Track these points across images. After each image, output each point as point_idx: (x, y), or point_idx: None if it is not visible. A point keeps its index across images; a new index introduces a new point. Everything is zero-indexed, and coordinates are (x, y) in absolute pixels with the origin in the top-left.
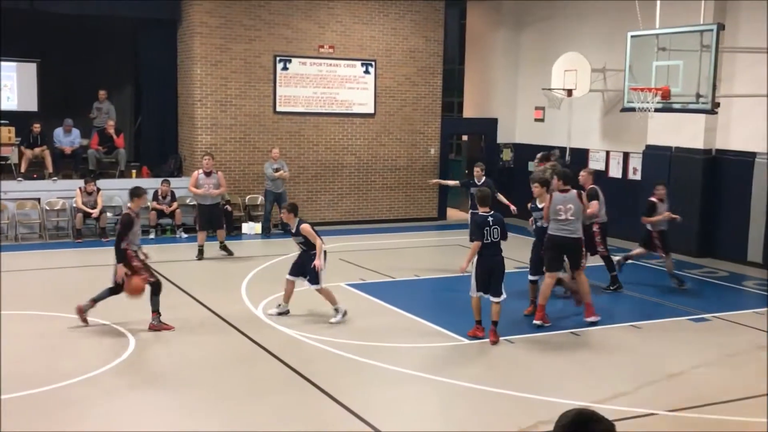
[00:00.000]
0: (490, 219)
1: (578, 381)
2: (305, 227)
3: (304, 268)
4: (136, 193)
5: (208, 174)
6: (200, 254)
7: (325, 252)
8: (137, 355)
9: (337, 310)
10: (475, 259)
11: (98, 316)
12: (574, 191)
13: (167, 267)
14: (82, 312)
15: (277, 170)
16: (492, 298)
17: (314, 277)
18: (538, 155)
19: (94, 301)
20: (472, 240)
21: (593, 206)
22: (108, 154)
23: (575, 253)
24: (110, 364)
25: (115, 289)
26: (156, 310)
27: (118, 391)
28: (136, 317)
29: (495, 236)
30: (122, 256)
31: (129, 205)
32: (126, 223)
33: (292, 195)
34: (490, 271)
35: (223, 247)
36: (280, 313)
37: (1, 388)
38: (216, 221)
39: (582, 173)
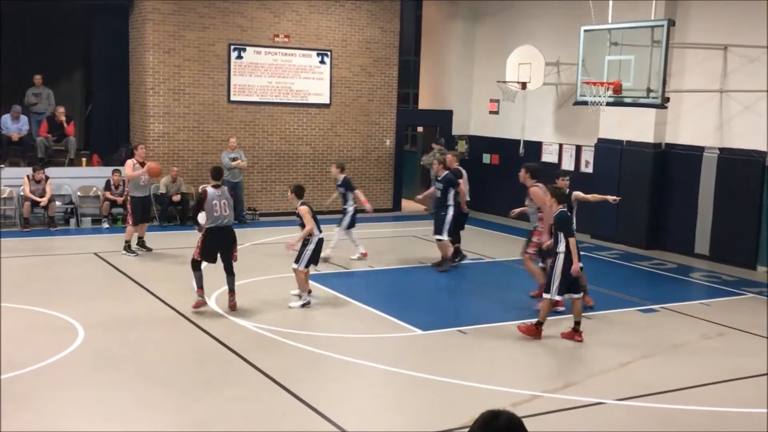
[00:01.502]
0: (569, 215)
1: (529, 371)
2: (302, 208)
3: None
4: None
5: (142, 164)
6: (130, 248)
7: (321, 239)
8: (86, 346)
9: (299, 296)
10: (560, 260)
11: (47, 307)
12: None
13: (117, 256)
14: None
15: (234, 159)
16: (574, 296)
17: (297, 257)
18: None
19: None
20: (569, 237)
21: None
22: (57, 142)
23: None
24: (58, 355)
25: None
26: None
27: (65, 382)
28: (86, 307)
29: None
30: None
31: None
32: None
33: (247, 185)
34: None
35: (143, 243)
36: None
37: None
38: (148, 214)
39: (448, 156)
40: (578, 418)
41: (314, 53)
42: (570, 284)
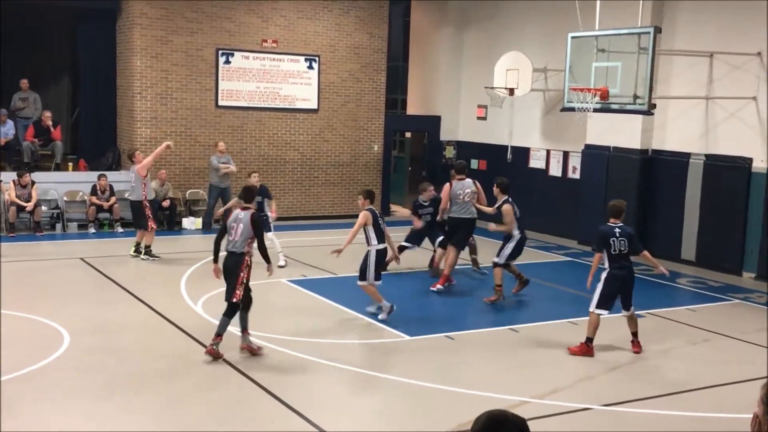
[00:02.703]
0: (617, 230)
1: (517, 376)
2: (362, 213)
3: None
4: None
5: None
6: (152, 254)
7: (379, 250)
8: (72, 352)
9: (380, 308)
10: (604, 274)
11: (32, 312)
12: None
13: (104, 262)
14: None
15: (224, 164)
16: (623, 312)
17: (361, 273)
18: None
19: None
20: (594, 251)
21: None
22: (44, 147)
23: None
24: (44, 361)
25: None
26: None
27: (50, 388)
28: (72, 313)
29: (622, 248)
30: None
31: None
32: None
33: (234, 190)
34: (621, 283)
35: (139, 248)
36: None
37: None
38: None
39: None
40: (565, 424)
41: (302, 58)
42: (614, 298)
